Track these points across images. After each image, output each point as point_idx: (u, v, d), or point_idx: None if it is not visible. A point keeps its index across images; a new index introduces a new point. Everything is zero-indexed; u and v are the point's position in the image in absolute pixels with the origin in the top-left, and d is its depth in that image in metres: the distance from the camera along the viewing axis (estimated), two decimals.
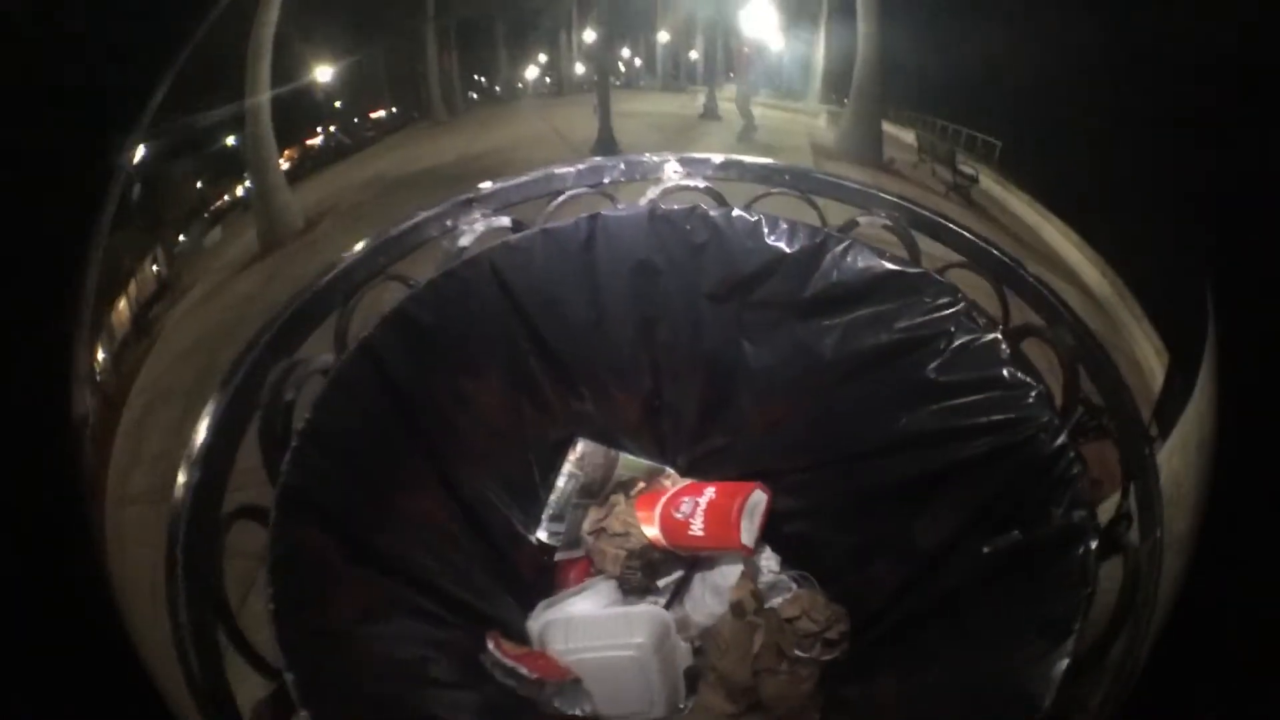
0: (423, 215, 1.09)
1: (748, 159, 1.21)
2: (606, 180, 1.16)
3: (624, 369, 1.22)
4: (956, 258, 1.05)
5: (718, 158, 1.20)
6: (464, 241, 1.07)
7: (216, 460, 0.81)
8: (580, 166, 1.17)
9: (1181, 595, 0.77)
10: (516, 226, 1.11)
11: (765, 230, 1.10)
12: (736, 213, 1.11)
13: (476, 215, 1.10)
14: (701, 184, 1.15)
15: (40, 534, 0.92)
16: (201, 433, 0.82)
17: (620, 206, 1.15)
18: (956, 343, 0.97)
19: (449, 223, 1.09)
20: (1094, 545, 0.75)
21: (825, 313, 1.09)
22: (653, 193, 1.16)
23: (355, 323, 0.99)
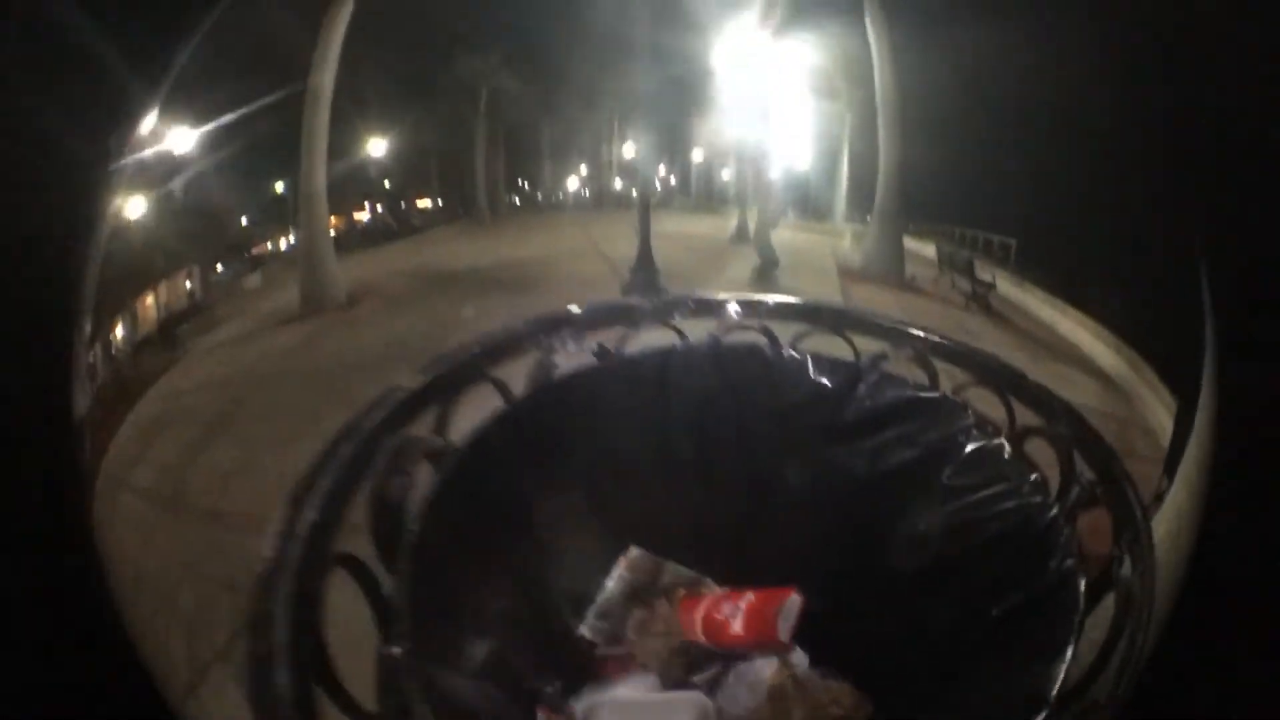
0: (522, 327, 1.31)
1: (794, 301, 1.45)
2: (678, 316, 1.39)
3: (681, 486, 1.37)
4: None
5: (770, 299, 1.44)
6: (559, 359, 1.28)
7: (332, 508, 0.90)
8: (657, 301, 1.41)
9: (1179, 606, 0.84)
10: (601, 352, 1.33)
11: (810, 367, 1.32)
12: (786, 351, 1.33)
13: (567, 336, 1.32)
14: (757, 324, 1.38)
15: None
16: (318, 482, 0.91)
17: (689, 340, 1.37)
18: (967, 451, 1.15)
19: (542, 338, 1.30)
20: (1082, 580, 0.91)
21: (859, 436, 1.28)
22: (715, 327, 1.39)
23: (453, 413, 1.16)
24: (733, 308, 1.41)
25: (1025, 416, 1.15)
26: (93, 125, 0.91)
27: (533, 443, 1.22)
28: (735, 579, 1.32)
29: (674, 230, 11.73)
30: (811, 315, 1.43)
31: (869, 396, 1.27)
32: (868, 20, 11.65)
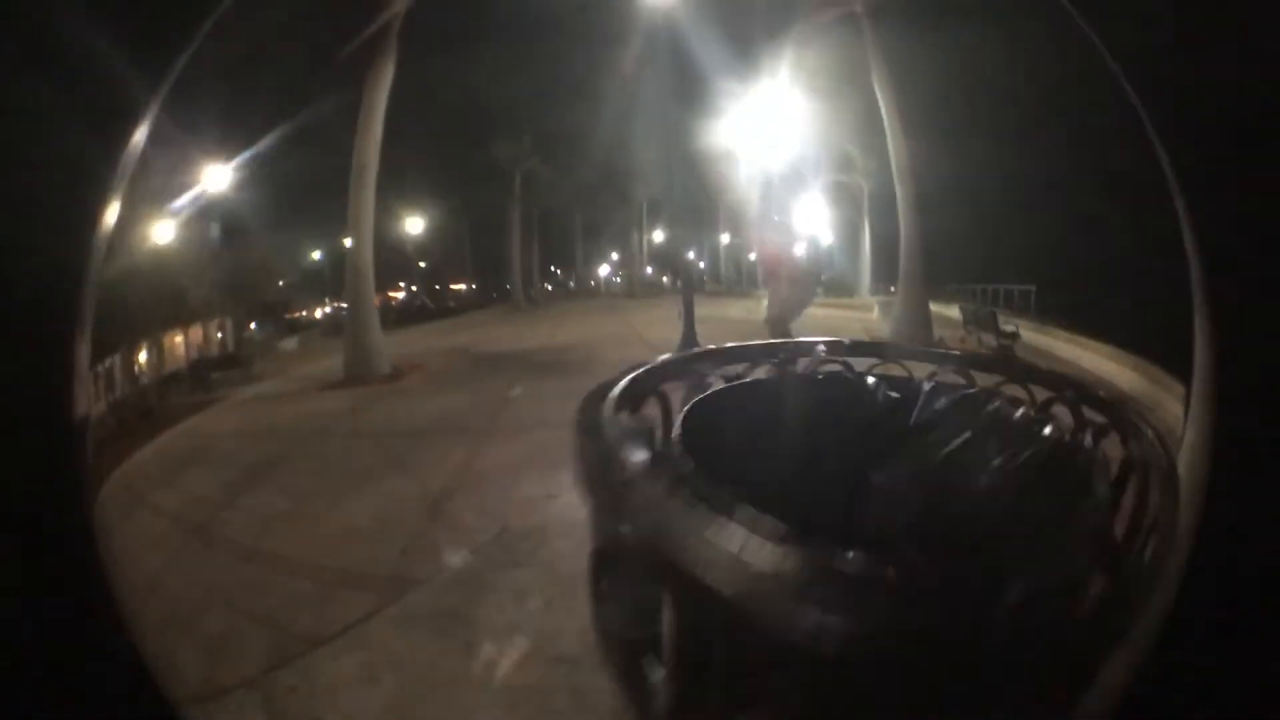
0: (682, 360, 1.81)
1: (867, 341, 1.97)
2: (782, 355, 1.92)
3: (790, 491, 1.57)
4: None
5: (846, 340, 1.97)
6: (709, 381, 1.79)
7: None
8: (764, 343, 1.94)
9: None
10: (732, 378, 1.84)
11: (884, 387, 1.83)
12: (864, 377, 1.85)
13: (711, 367, 1.83)
14: (839, 360, 1.90)
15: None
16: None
17: (791, 371, 1.89)
18: (1004, 422, 1.61)
19: (695, 367, 1.82)
20: (1102, 455, 1.30)
21: (924, 433, 1.75)
22: (806, 364, 1.91)
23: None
24: (820, 348, 1.94)
25: (1042, 393, 1.65)
26: (95, 122, 0.95)
27: (698, 432, 1.58)
28: None
29: (711, 315, 12.17)
30: (877, 350, 1.96)
31: (929, 401, 1.77)
32: (877, 87, 12.38)
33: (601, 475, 1.07)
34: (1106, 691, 0.93)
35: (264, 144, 13.39)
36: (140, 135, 1.05)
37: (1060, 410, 1.55)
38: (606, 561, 1.06)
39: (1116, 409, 1.42)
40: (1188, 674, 0.91)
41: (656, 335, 11.26)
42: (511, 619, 3.02)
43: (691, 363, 1.80)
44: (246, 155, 13.67)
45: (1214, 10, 0.90)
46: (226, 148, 13.61)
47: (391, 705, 2.53)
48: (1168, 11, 0.93)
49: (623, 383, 1.42)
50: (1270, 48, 0.89)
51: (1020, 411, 1.62)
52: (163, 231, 12.97)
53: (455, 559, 3.70)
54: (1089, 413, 1.47)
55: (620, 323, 15.85)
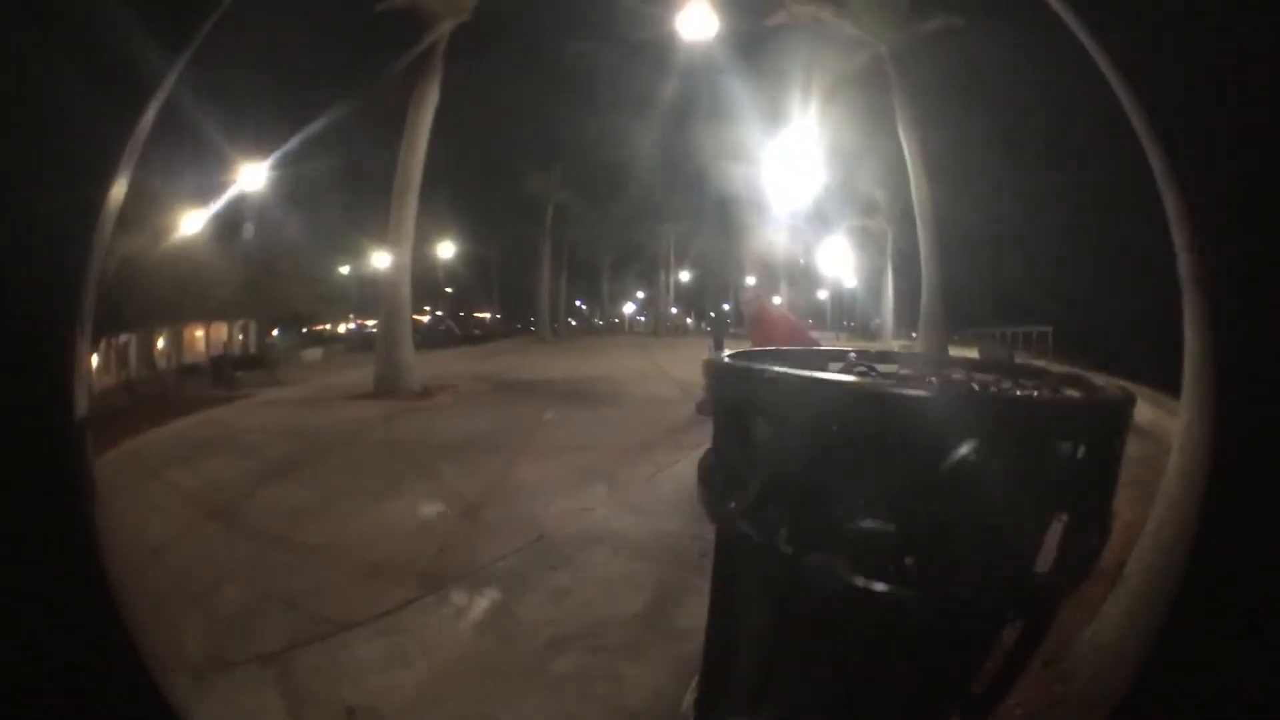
0: (755, 350, 2.22)
1: (891, 350, 2.36)
2: (821, 359, 2.32)
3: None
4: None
5: (873, 349, 2.36)
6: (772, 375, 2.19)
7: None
8: (805, 349, 2.35)
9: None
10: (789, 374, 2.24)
11: (906, 387, 2.21)
12: (888, 379, 2.24)
13: (769, 362, 2.23)
14: (866, 364, 2.29)
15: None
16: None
17: (830, 370, 2.29)
18: (999, 404, 1.98)
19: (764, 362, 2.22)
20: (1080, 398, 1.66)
21: (941, 425, 2.14)
22: (840, 367, 2.31)
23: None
24: (851, 355, 2.33)
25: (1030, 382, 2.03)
26: (103, 107, 0.93)
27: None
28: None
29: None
30: (894, 358, 2.36)
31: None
32: (901, 132, 12.71)
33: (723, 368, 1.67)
34: (1105, 690, 1.06)
35: (292, 144, 14.19)
36: (149, 119, 1.04)
37: (1043, 393, 1.92)
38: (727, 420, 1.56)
39: (1084, 381, 1.79)
40: (1188, 674, 0.92)
41: (683, 373, 11.39)
42: (550, 615, 3.10)
43: (756, 357, 2.20)
44: (279, 153, 14.46)
45: (1213, 10, 0.90)
46: (265, 149, 14.40)
47: (426, 689, 2.55)
48: (1167, 12, 0.93)
49: (726, 356, 1.91)
50: (1270, 47, 0.88)
51: (1012, 396, 1.99)
52: (192, 223, 13.47)
53: (491, 560, 3.75)
54: (1067, 391, 1.84)
55: (645, 359, 16.26)
